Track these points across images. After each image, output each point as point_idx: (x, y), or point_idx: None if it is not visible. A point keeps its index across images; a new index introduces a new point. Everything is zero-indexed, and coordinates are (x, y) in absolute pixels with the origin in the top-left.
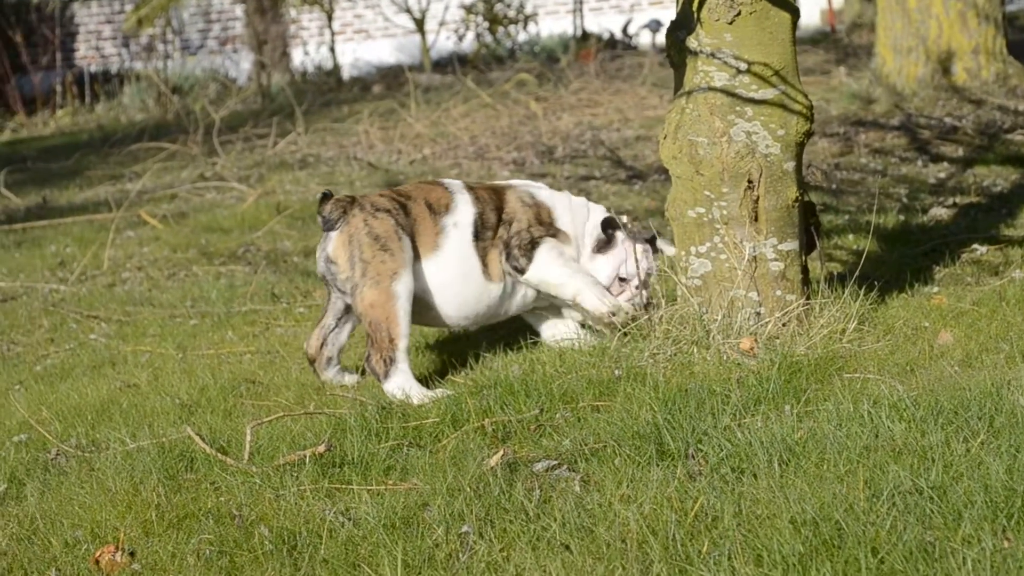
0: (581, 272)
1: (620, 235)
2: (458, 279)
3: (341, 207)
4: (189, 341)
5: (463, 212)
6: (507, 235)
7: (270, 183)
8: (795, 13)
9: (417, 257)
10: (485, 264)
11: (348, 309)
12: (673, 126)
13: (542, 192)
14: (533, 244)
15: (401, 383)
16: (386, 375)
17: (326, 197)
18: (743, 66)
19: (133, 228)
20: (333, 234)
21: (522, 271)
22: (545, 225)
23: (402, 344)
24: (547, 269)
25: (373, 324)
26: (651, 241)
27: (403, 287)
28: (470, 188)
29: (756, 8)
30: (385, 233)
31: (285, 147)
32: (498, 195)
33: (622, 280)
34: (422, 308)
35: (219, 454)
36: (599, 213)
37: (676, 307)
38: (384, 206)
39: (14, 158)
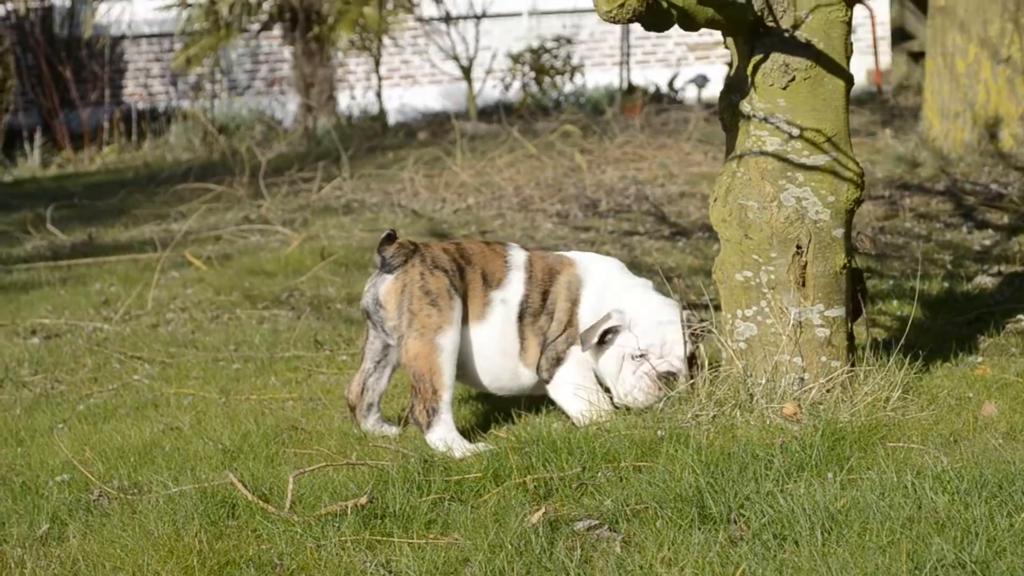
0: (586, 394)
1: (622, 336)
2: (497, 355)
3: (404, 254)
4: (232, 385)
5: (513, 290)
6: (545, 334)
7: (314, 227)
8: (849, 80)
9: (465, 321)
10: (523, 348)
11: (386, 350)
12: (724, 189)
13: (593, 283)
14: (558, 361)
15: (443, 435)
16: (429, 426)
17: (390, 239)
18: (795, 131)
19: (177, 269)
20: (388, 277)
21: (547, 383)
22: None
23: (446, 396)
24: (560, 392)
25: (417, 375)
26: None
27: (448, 341)
28: (529, 265)
29: (811, 74)
30: (437, 291)
31: (330, 192)
32: (551, 276)
33: (636, 357)
34: (462, 371)
35: (261, 502)
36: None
37: (720, 369)
38: (443, 265)
39: (60, 194)
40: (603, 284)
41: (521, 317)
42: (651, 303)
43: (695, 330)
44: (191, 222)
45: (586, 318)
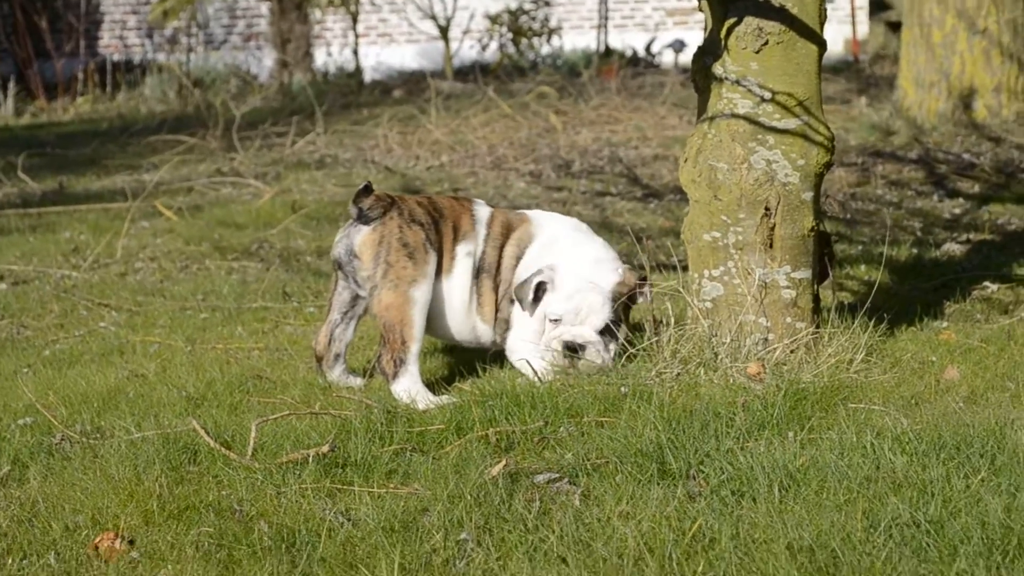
0: (529, 350)
1: (547, 296)
2: (460, 308)
3: (382, 207)
4: (198, 334)
5: (471, 246)
6: (497, 297)
7: (286, 181)
8: (822, 45)
9: (437, 273)
10: (480, 303)
11: (354, 301)
12: (694, 150)
13: (536, 243)
14: (507, 324)
15: (408, 386)
16: (395, 376)
17: (367, 191)
18: (767, 95)
19: (148, 219)
20: (365, 228)
21: (502, 340)
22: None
23: (414, 348)
24: (512, 356)
25: (387, 326)
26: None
27: (420, 294)
28: (490, 221)
29: (784, 39)
30: (415, 244)
31: (303, 146)
32: (507, 233)
33: (553, 320)
34: (429, 323)
35: (223, 448)
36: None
37: (685, 328)
38: (420, 219)
39: (33, 142)
40: (549, 240)
41: (477, 273)
42: (582, 265)
43: (630, 293)
44: (163, 173)
45: (521, 273)
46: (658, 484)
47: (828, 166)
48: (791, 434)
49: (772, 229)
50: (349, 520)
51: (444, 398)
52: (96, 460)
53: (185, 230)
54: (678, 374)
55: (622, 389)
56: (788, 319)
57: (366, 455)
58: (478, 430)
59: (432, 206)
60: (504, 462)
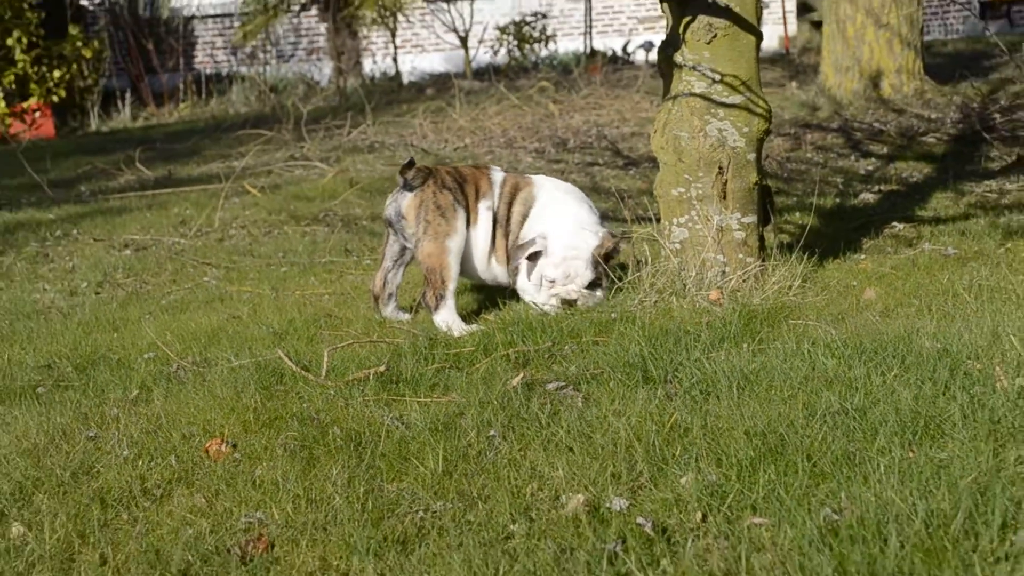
0: (533, 292)
1: (541, 260)
2: (482, 252)
3: (422, 176)
4: (280, 284)
5: (490, 202)
6: (507, 244)
7: (345, 163)
8: (759, 36)
9: (467, 226)
10: (495, 247)
11: (402, 252)
12: (662, 123)
13: (537, 205)
14: (516, 270)
15: (446, 317)
16: (436, 309)
17: (410, 165)
18: (717, 77)
19: (238, 196)
20: (409, 194)
21: (513, 282)
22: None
23: (451, 286)
24: (521, 290)
25: (429, 269)
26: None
27: (454, 244)
28: (503, 183)
29: (729, 32)
30: (446, 205)
31: (357, 136)
32: (515, 192)
33: (550, 281)
34: (462, 263)
35: (303, 371)
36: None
37: (660, 265)
38: (449, 184)
39: (146, 140)
40: (546, 203)
41: (494, 224)
42: (569, 232)
43: (609, 249)
44: (248, 160)
45: (525, 232)
46: (642, 388)
47: (767, 133)
48: (745, 345)
49: (725, 184)
50: (403, 423)
51: (473, 326)
52: (204, 383)
53: (267, 204)
54: (655, 302)
55: (612, 315)
56: (740, 255)
57: (414, 373)
58: (501, 350)
59: (458, 173)
60: (522, 374)
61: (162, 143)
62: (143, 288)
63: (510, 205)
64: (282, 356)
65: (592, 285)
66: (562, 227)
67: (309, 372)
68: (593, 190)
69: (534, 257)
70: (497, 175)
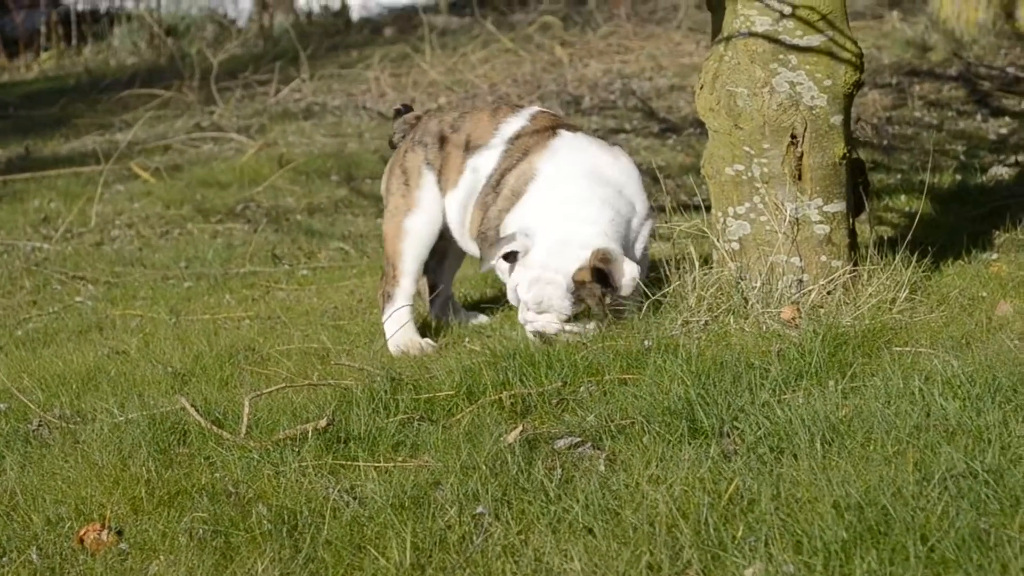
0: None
1: (518, 267)
2: (454, 222)
3: (403, 130)
4: (183, 305)
5: (485, 160)
6: (487, 210)
7: (272, 134)
8: None
9: (443, 190)
10: (471, 223)
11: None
12: (710, 75)
13: (531, 187)
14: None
15: (390, 326)
16: (383, 311)
17: (401, 111)
18: (787, 9)
19: (123, 182)
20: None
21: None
22: None
23: (404, 283)
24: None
25: (385, 256)
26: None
27: (414, 224)
28: (515, 138)
29: None
30: (411, 168)
31: (288, 95)
32: (523, 156)
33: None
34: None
35: (214, 427)
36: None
37: (711, 272)
38: (426, 138)
39: None
40: (547, 185)
41: (483, 189)
42: (550, 243)
43: (600, 276)
44: (137, 131)
45: (507, 220)
46: (689, 444)
47: (858, 86)
48: (832, 383)
49: (800, 159)
50: (355, 498)
51: (426, 342)
52: (77, 446)
53: (164, 192)
54: (705, 323)
55: (645, 343)
56: (823, 257)
57: (370, 427)
58: (490, 394)
59: (456, 118)
60: (520, 427)
61: (16, 108)
62: None
63: (505, 173)
64: (186, 406)
65: (578, 317)
66: (550, 230)
67: (223, 428)
68: None
69: (511, 258)
70: (514, 124)
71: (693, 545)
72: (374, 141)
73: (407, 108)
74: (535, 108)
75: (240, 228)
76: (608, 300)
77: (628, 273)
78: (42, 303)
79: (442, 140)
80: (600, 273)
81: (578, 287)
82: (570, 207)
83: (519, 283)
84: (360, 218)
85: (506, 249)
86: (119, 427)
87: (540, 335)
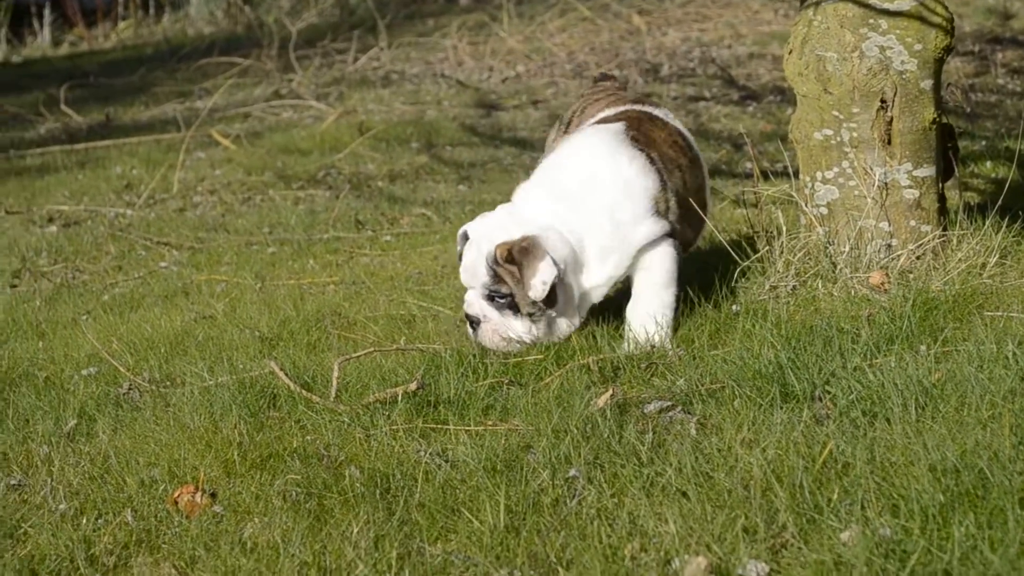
0: None
1: None
2: None
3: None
4: (268, 270)
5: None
6: None
7: (351, 102)
8: None
9: None
10: None
11: None
12: (799, 40)
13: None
14: None
15: None
16: None
17: (599, 79)
18: None
19: (203, 149)
20: None
21: None
22: None
23: None
24: None
25: None
26: None
27: None
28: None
29: None
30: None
31: (366, 63)
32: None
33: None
34: None
35: (304, 391)
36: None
37: (799, 237)
38: (564, 117)
39: (75, 73)
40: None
41: None
42: (504, 212)
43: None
44: (217, 99)
45: None
46: (781, 408)
47: (948, 50)
48: (923, 347)
49: (890, 123)
50: (447, 461)
51: None
52: (168, 409)
53: (244, 159)
54: (793, 288)
55: (734, 307)
56: (912, 222)
57: (459, 391)
58: (579, 359)
59: (587, 101)
60: (610, 392)
61: (97, 77)
62: (76, 278)
63: None
64: (276, 370)
65: (504, 308)
66: (502, 210)
67: (312, 392)
68: (698, 134)
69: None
70: (607, 111)
71: (788, 508)
72: (453, 109)
73: (605, 76)
74: (638, 105)
75: (322, 194)
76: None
77: (540, 274)
78: (127, 268)
79: (570, 122)
80: (511, 259)
81: (498, 262)
82: (551, 175)
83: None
84: (441, 184)
85: (461, 231)
86: (209, 391)
87: (471, 319)
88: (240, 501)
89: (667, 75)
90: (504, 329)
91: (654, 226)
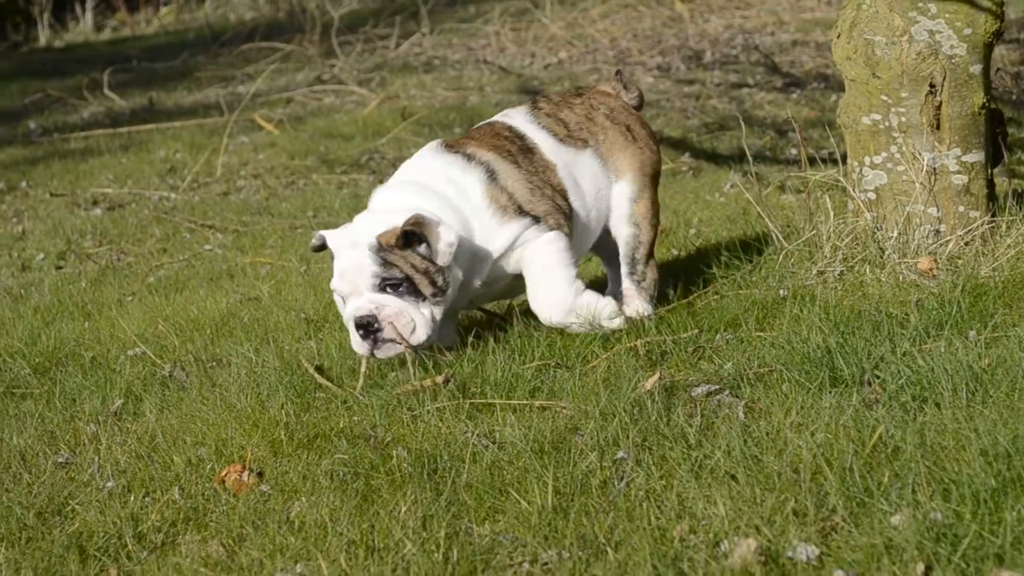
0: None
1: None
2: None
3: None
4: (312, 254)
5: None
6: None
7: (393, 87)
8: None
9: None
10: None
11: None
12: (847, 23)
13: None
14: None
15: None
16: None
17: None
18: None
19: (246, 133)
20: None
21: None
22: None
23: None
24: None
25: None
26: None
27: None
28: None
29: None
30: None
31: (408, 49)
32: None
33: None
34: None
35: (329, 382)
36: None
37: (846, 222)
38: None
39: (117, 58)
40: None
41: None
42: (362, 215)
43: (410, 238)
44: (259, 84)
45: None
46: (829, 392)
47: (998, 35)
48: (972, 332)
49: (939, 108)
50: (494, 442)
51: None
52: (215, 389)
53: (287, 143)
54: (841, 273)
55: (780, 292)
56: (961, 208)
57: (506, 373)
58: (626, 342)
59: None
60: (658, 375)
61: (139, 61)
62: (121, 260)
63: None
64: (307, 368)
65: (396, 284)
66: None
67: (356, 374)
68: (740, 120)
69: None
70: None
71: (838, 492)
72: (496, 95)
73: (619, 73)
74: (509, 113)
75: (365, 179)
76: (431, 270)
77: (444, 238)
78: (172, 251)
79: None
80: (409, 236)
81: (385, 250)
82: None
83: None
84: None
85: (314, 245)
86: (255, 371)
87: (366, 324)
88: (287, 480)
89: (710, 62)
90: (407, 314)
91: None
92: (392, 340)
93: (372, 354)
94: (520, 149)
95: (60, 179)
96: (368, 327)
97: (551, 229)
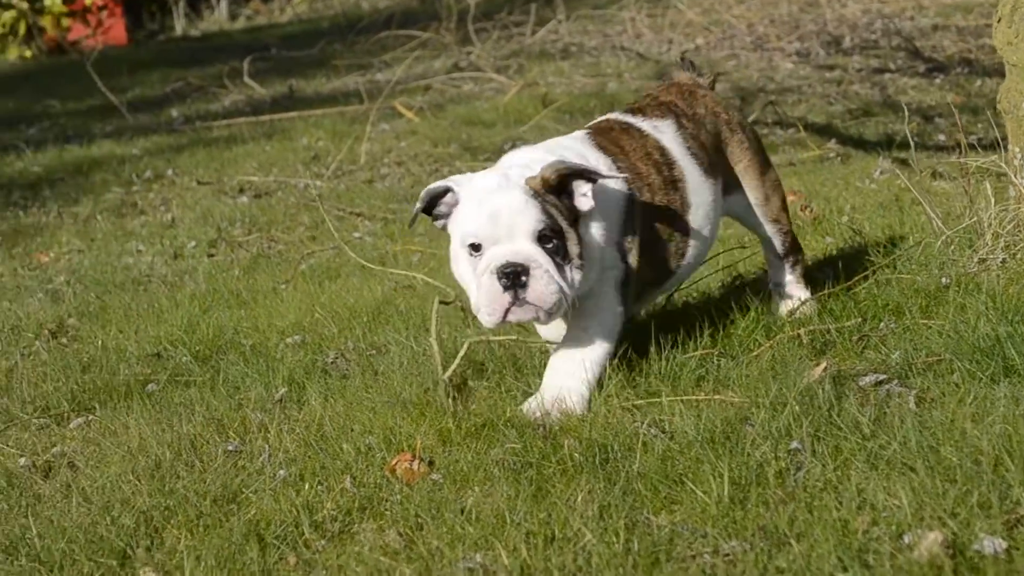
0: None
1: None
2: None
3: None
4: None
5: None
6: None
7: (531, 74)
8: None
9: None
10: None
11: None
12: (1008, 8)
13: None
14: None
15: None
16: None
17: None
18: None
19: (387, 120)
20: None
21: None
22: None
23: None
24: None
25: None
26: None
27: None
28: None
29: None
30: None
31: (545, 35)
32: None
33: (472, 246)
34: None
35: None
36: None
37: (1008, 209)
38: None
39: (254, 46)
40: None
41: None
42: (492, 170)
43: (561, 188)
44: (398, 72)
45: None
46: (1004, 382)
47: None
48: None
49: None
50: (664, 432)
51: None
52: (377, 378)
53: (429, 131)
54: (1003, 260)
55: (943, 280)
56: None
57: (671, 363)
58: (788, 330)
59: None
60: (824, 364)
61: (277, 50)
62: (272, 248)
63: None
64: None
65: (554, 247)
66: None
67: (518, 363)
68: (885, 107)
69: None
70: None
71: (1022, 484)
72: (634, 81)
73: (684, 60)
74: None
75: None
76: (576, 224)
77: (579, 187)
78: (321, 238)
79: None
80: (554, 185)
81: (540, 196)
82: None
83: (460, 217)
84: None
85: (432, 192)
86: (417, 359)
87: (513, 272)
88: (458, 469)
89: (849, 47)
90: (555, 282)
91: None
92: (533, 304)
93: (505, 315)
94: (666, 180)
95: (205, 167)
96: (516, 277)
97: None
